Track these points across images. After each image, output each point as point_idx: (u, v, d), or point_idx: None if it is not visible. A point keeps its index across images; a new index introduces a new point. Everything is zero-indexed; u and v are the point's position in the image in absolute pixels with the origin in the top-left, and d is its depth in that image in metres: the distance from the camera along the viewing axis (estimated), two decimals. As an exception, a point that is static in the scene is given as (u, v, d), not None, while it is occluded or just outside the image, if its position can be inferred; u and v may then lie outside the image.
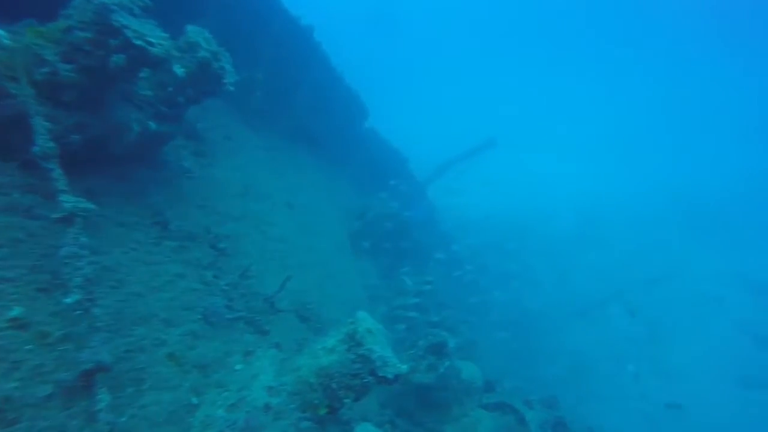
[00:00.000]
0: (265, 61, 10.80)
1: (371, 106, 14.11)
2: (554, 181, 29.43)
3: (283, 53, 10.92)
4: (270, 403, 3.70)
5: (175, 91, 4.62)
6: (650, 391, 11.96)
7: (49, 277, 3.15)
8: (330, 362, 4.00)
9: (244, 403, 3.62)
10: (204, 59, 4.38)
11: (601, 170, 32.07)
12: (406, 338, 8.96)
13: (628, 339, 13.99)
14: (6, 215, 3.27)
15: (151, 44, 3.24)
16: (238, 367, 4.22)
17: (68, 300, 3.00)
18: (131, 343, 3.39)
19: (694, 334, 15.09)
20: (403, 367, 3.94)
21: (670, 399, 9.07)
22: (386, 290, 11.47)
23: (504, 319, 14.00)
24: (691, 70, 45.26)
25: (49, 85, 3.47)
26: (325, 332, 4.53)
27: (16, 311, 2.86)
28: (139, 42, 3.16)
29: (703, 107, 40.99)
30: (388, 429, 6.48)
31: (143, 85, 4.42)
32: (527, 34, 51.92)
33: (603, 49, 48.86)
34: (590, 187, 28.04)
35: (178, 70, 4.41)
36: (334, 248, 10.62)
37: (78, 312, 2.99)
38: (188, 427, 3.42)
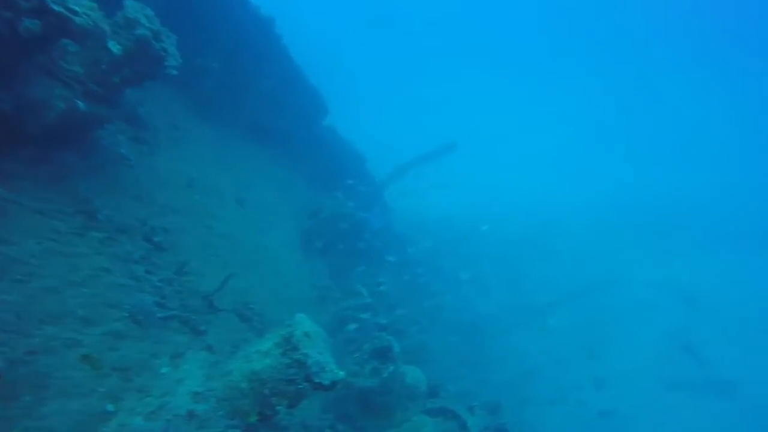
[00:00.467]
0: (220, 50, 10.37)
1: (344, 104, 13.89)
2: (509, 188, 30.25)
3: (241, 43, 10.53)
4: (194, 409, 3.45)
5: (109, 70, 4.25)
6: (587, 395, 12.45)
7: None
8: (263, 367, 3.80)
9: (166, 410, 3.35)
10: (143, 38, 4.05)
11: (554, 179, 33.36)
12: (355, 339, 8.84)
13: (572, 344, 14.53)
14: None
15: (74, 12, 2.92)
16: (164, 370, 3.93)
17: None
18: (35, 344, 3.04)
19: (627, 340, 15.90)
20: (341, 373, 3.81)
21: (604, 403, 9.47)
22: (337, 291, 11.28)
23: (455, 322, 14.17)
24: (642, 86, 48.08)
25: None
26: (267, 333, 4.33)
27: None
28: (58, 8, 2.84)
29: (649, 123, 43.57)
30: (328, 433, 6.33)
31: (72, 59, 4.03)
32: (495, 47, 53.32)
33: (564, 62, 50.98)
34: (542, 195, 29.04)
35: (114, 47, 4.07)
36: (284, 247, 10.33)
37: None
38: (99, 437, 3.12)
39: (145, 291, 4.73)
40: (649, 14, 48.15)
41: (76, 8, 2.95)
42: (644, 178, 32.16)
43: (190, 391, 3.58)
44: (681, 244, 22.82)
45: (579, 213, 26.04)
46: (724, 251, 22.49)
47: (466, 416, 6.30)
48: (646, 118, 45.41)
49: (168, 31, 4.46)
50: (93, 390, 3.30)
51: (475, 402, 6.51)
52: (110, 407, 3.36)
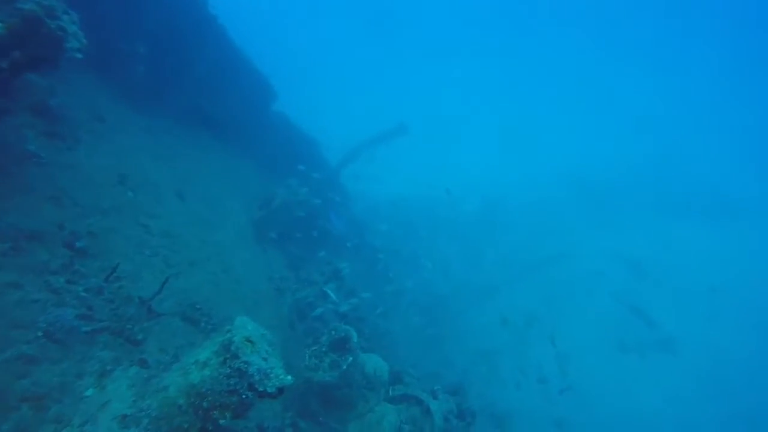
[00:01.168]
0: (148, 33, 9.54)
1: (295, 89, 13.25)
2: (463, 168, 30.54)
3: (171, 25, 9.73)
4: (122, 435, 3.10)
5: (-4, 55, 3.66)
6: (547, 363, 12.85)
7: None
8: (202, 379, 3.47)
9: (87, 441, 2.99)
10: (31, 15, 3.49)
11: (505, 157, 33.96)
12: (314, 331, 8.59)
13: (530, 316, 14.92)
14: None
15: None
16: (88, 392, 3.53)
17: None
18: None
19: (580, 307, 16.58)
20: (288, 378, 3.54)
21: (564, 377, 9.80)
22: (295, 282, 10.93)
23: (417, 304, 14.19)
24: (591, 63, 49.58)
25: None
26: (206, 340, 3.98)
27: None
28: None
29: (598, 100, 45.05)
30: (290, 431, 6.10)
31: (-55, 44, 3.42)
32: (444, 27, 53.17)
33: (519, 43, 51.68)
34: (494, 174, 29.53)
35: (-3, 27, 3.48)
36: (234, 240, 9.82)
37: None
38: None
39: (67, 304, 4.25)
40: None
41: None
42: (590, 152, 33.34)
43: (117, 415, 3.22)
44: (626, 214, 23.90)
45: (530, 189, 26.68)
46: (665, 220, 23.81)
47: (429, 401, 6.24)
48: (592, 94, 46.97)
49: (66, 8, 3.89)
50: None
51: (437, 386, 6.46)
52: (20, 444, 2.95)
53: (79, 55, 3.96)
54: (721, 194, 26.10)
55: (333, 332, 6.58)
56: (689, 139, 36.12)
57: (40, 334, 3.69)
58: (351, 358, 6.03)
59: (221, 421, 3.44)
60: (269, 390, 3.42)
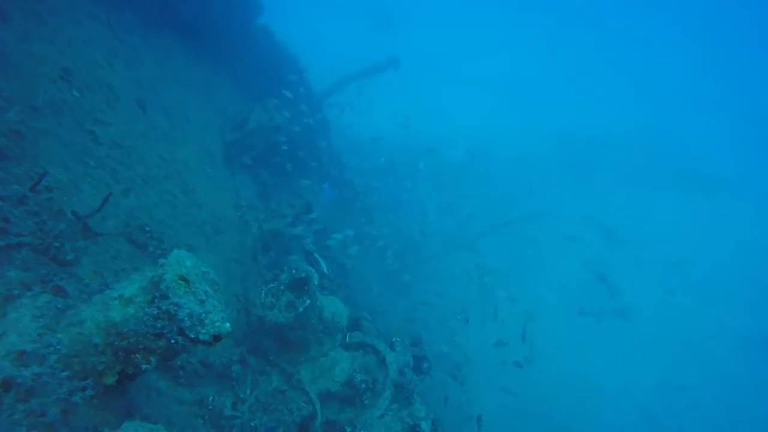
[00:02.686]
0: None
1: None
2: (451, 112, 29.51)
3: None
4: (14, 375, 2.64)
5: None
6: (508, 320, 13.01)
7: None
8: (124, 317, 2.99)
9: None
10: None
11: (498, 108, 32.94)
12: (275, 266, 8.20)
13: (496, 272, 15.00)
14: None
15: None
16: (-13, 319, 3.01)
17: None
18: None
19: (548, 268, 16.79)
20: (225, 326, 3.10)
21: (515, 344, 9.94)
22: (263, 212, 10.35)
23: (390, 248, 13.97)
24: (598, 21, 47.60)
25: None
26: (136, 273, 3.46)
27: None
28: None
29: (598, 61, 43.62)
30: (237, 368, 5.84)
31: None
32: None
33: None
34: (484, 123, 28.68)
35: None
36: (199, 161, 9.06)
37: None
38: None
39: (-26, 211, 3.61)
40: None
41: None
42: (581, 113, 32.65)
43: (13, 350, 2.73)
44: (607, 181, 23.87)
45: (515, 144, 26.17)
46: (644, 191, 23.91)
47: (385, 351, 6.04)
48: (593, 53, 45.42)
49: None
50: None
51: (395, 337, 6.24)
52: None
53: None
54: (702, 170, 26.27)
55: (293, 271, 6.18)
56: (681, 111, 35.71)
57: (-70, 244, 3.08)
58: (308, 302, 5.67)
59: (144, 366, 3.01)
60: (201, 338, 2.98)
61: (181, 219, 7.12)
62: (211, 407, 5.04)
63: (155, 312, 2.96)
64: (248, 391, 5.52)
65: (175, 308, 2.92)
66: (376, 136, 15.71)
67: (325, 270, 7.78)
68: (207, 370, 5.29)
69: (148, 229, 5.92)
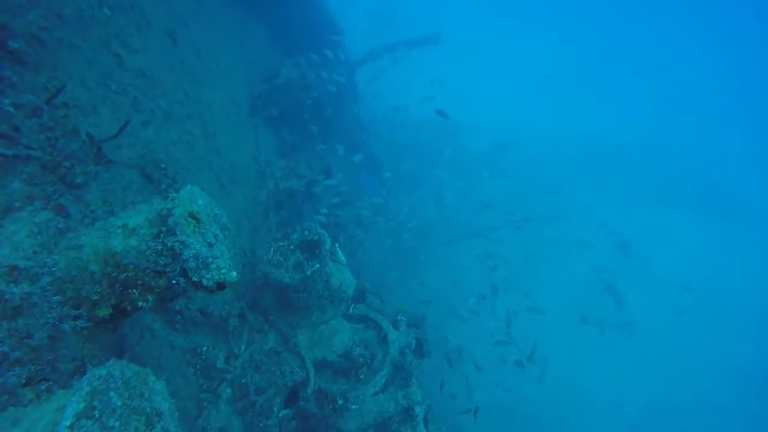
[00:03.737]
0: None
1: None
2: (483, 99, 28.71)
3: None
4: (2, 291, 2.42)
5: None
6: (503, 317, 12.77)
7: None
8: (125, 248, 2.75)
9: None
10: None
11: (530, 101, 32.00)
12: (286, 225, 7.97)
13: (506, 263, 14.68)
14: None
15: None
16: (-19, 228, 2.79)
17: None
18: None
19: (556, 272, 16.44)
20: (232, 275, 2.85)
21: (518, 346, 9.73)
22: (281, 169, 10.08)
23: (407, 224, 13.71)
24: (637, 32, 45.81)
25: None
26: (143, 204, 3.22)
27: None
28: None
29: (642, 68, 42.06)
30: (235, 322, 5.66)
31: None
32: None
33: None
34: (514, 114, 27.89)
35: None
36: (224, 107, 8.75)
37: None
38: None
39: (-18, 115, 3.37)
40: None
41: None
42: (615, 120, 31.61)
43: (4, 264, 2.50)
44: (629, 193, 23.19)
45: (543, 141, 25.46)
46: (666, 208, 23.21)
47: (388, 329, 5.82)
48: (629, 62, 43.79)
49: None
50: None
51: (400, 316, 6.01)
52: None
53: None
54: (723, 195, 25.40)
55: (306, 232, 5.93)
56: (710, 132, 34.39)
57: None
58: (317, 265, 5.43)
59: (141, 304, 2.78)
60: (205, 283, 2.73)
61: (197, 162, 6.87)
62: (203, 357, 4.88)
63: (159, 248, 2.71)
64: (243, 348, 5.36)
65: (181, 247, 2.67)
66: (398, 106, 15.22)
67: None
68: (204, 319, 5.11)
69: (163, 165, 5.67)
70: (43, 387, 2.24)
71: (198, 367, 4.86)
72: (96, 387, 1.75)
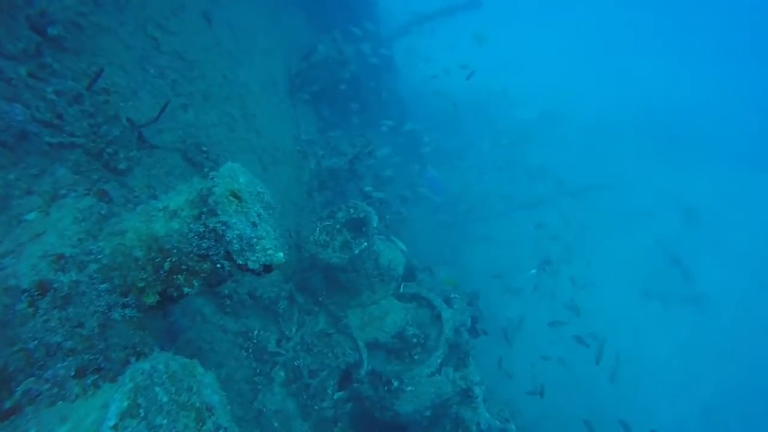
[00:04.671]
0: None
1: None
2: (528, 66, 27.16)
3: None
4: (51, 280, 2.33)
5: None
6: (562, 293, 12.21)
7: None
8: (167, 232, 2.61)
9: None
10: None
11: (579, 66, 30.00)
12: (331, 204, 7.82)
13: (559, 239, 13.97)
14: None
15: None
16: (30, 216, 2.74)
17: None
18: None
19: (616, 244, 15.46)
20: (279, 256, 2.65)
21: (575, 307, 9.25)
22: (323, 148, 9.91)
23: (446, 200, 13.31)
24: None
25: None
26: (183, 184, 3.08)
27: None
28: None
29: (693, 27, 38.23)
30: (284, 304, 5.60)
31: None
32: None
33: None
34: (562, 81, 26.24)
35: None
36: (262, 86, 8.61)
37: None
38: None
39: (25, 102, 3.32)
40: None
41: None
42: (662, 82, 29.03)
43: (52, 252, 2.42)
44: (689, 156, 21.35)
45: (594, 108, 23.83)
46: (733, 169, 21.16)
47: (441, 307, 5.56)
48: (689, 18, 39.74)
49: None
50: None
51: (454, 294, 5.72)
52: None
53: None
54: None
55: (351, 210, 5.71)
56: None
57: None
58: (365, 244, 5.21)
59: (186, 289, 2.65)
60: (250, 265, 2.55)
61: (238, 143, 6.78)
62: (255, 341, 4.84)
63: (201, 230, 2.55)
64: (294, 330, 5.28)
65: (224, 228, 2.49)
66: (436, 74, 14.53)
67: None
68: (254, 302, 5.05)
69: (204, 148, 5.61)
70: (89, 381, 2.16)
71: (250, 350, 4.82)
72: (140, 383, 1.61)
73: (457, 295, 5.70)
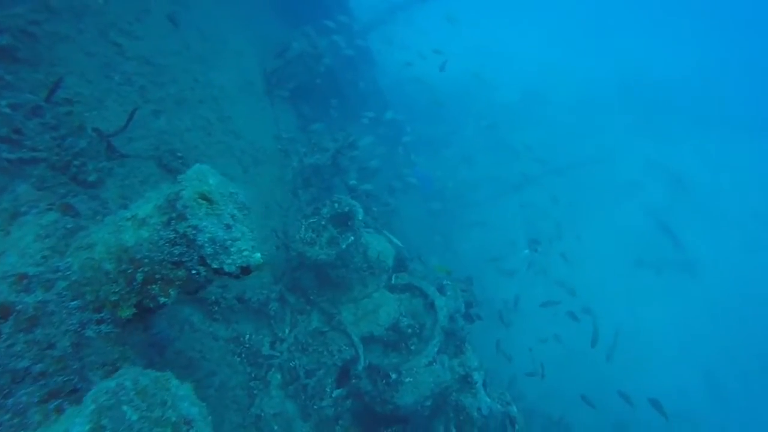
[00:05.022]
0: None
1: None
2: (508, 49, 27.04)
3: None
4: (13, 302, 2.22)
5: None
6: (553, 269, 12.25)
7: None
8: (137, 241, 2.50)
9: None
10: None
11: (559, 45, 29.93)
12: (315, 201, 7.71)
13: (548, 217, 13.99)
14: None
15: None
16: (-10, 236, 2.60)
17: None
18: None
19: (606, 217, 15.51)
20: (255, 257, 2.55)
21: (566, 283, 9.30)
22: (305, 145, 9.76)
23: (435, 189, 13.24)
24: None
25: None
26: (152, 191, 2.95)
27: None
28: None
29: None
30: (275, 306, 5.50)
31: None
32: None
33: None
34: (543, 61, 26.19)
35: None
36: (237, 87, 8.43)
37: None
38: None
39: (-21, 119, 3.17)
40: None
41: None
42: (642, 53, 29.07)
43: (12, 273, 2.30)
44: (673, 124, 21.44)
45: (578, 84, 23.82)
46: (723, 134, 21.26)
47: (434, 295, 5.49)
48: None
49: None
50: None
51: (447, 281, 5.66)
52: None
53: None
54: None
55: (336, 205, 5.61)
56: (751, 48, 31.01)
57: (-76, 150, 2.65)
58: (352, 238, 5.12)
59: (162, 299, 2.54)
60: (226, 269, 2.45)
61: (216, 146, 6.64)
62: (248, 345, 4.75)
63: (172, 236, 2.44)
64: (287, 331, 5.19)
65: (194, 232, 2.38)
66: (419, 78, 14.45)
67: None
68: (243, 306, 4.95)
69: (180, 154, 5.46)
70: (52, 406, 2.05)
71: (243, 355, 4.73)
72: (103, 403, 1.51)
73: (450, 282, 5.64)
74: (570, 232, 13.19)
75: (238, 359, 4.67)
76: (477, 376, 4.91)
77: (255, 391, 4.69)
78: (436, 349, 5.11)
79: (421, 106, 16.08)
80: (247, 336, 4.82)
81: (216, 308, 4.61)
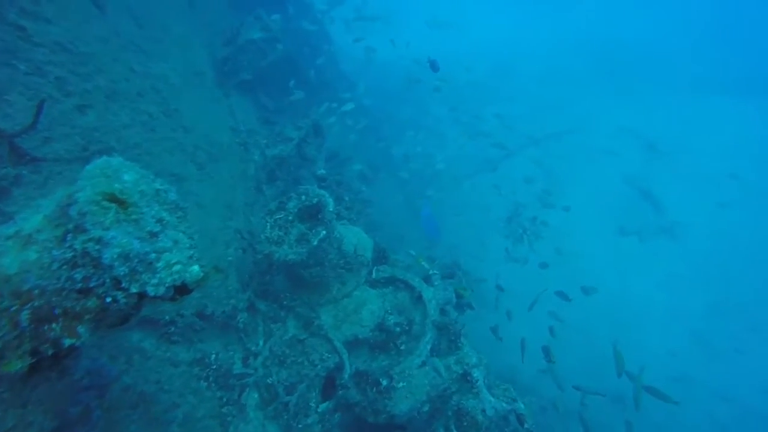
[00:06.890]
0: None
1: None
2: (474, 27, 26.52)
3: None
4: None
5: None
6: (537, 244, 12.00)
7: None
8: (22, 267, 1.83)
9: None
10: None
11: (523, 18, 29.60)
12: (282, 195, 7.05)
13: (529, 194, 13.73)
14: None
15: None
16: None
17: None
18: None
19: (585, 187, 15.35)
20: (193, 270, 1.93)
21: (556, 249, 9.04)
22: (266, 137, 9.02)
23: (418, 171, 12.74)
24: None
25: None
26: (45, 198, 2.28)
27: None
28: None
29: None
30: (245, 316, 4.86)
31: None
32: None
33: None
34: (509, 35, 25.83)
35: None
36: (184, 78, 7.61)
37: None
38: None
39: None
40: None
41: None
42: (605, 18, 29.08)
43: None
44: (642, 88, 21.46)
45: (545, 56, 23.60)
46: (695, 96, 21.36)
47: (421, 287, 4.96)
48: None
49: None
50: None
51: (431, 270, 5.13)
52: None
53: None
54: (757, 68, 23.18)
55: (303, 197, 4.97)
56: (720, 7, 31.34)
57: None
58: (324, 232, 4.51)
59: (68, 341, 1.89)
60: (151, 291, 1.82)
61: (163, 143, 5.87)
62: (215, 366, 4.11)
63: (69, 255, 1.78)
64: (260, 343, 4.58)
65: (97, 247, 1.73)
66: (370, 46, 13.81)
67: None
68: (206, 322, 4.29)
69: (116, 154, 4.69)
70: None
71: (211, 378, 4.09)
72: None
73: (435, 271, 5.11)
74: (554, 204, 12.97)
75: (205, 384, 4.04)
76: (477, 374, 4.42)
77: (229, 418, 4.08)
78: (429, 347, 4.60)
79: (390, 88, 15.50)
80: (214, 356, 4.18)
81: (173, 328, 3.94)
